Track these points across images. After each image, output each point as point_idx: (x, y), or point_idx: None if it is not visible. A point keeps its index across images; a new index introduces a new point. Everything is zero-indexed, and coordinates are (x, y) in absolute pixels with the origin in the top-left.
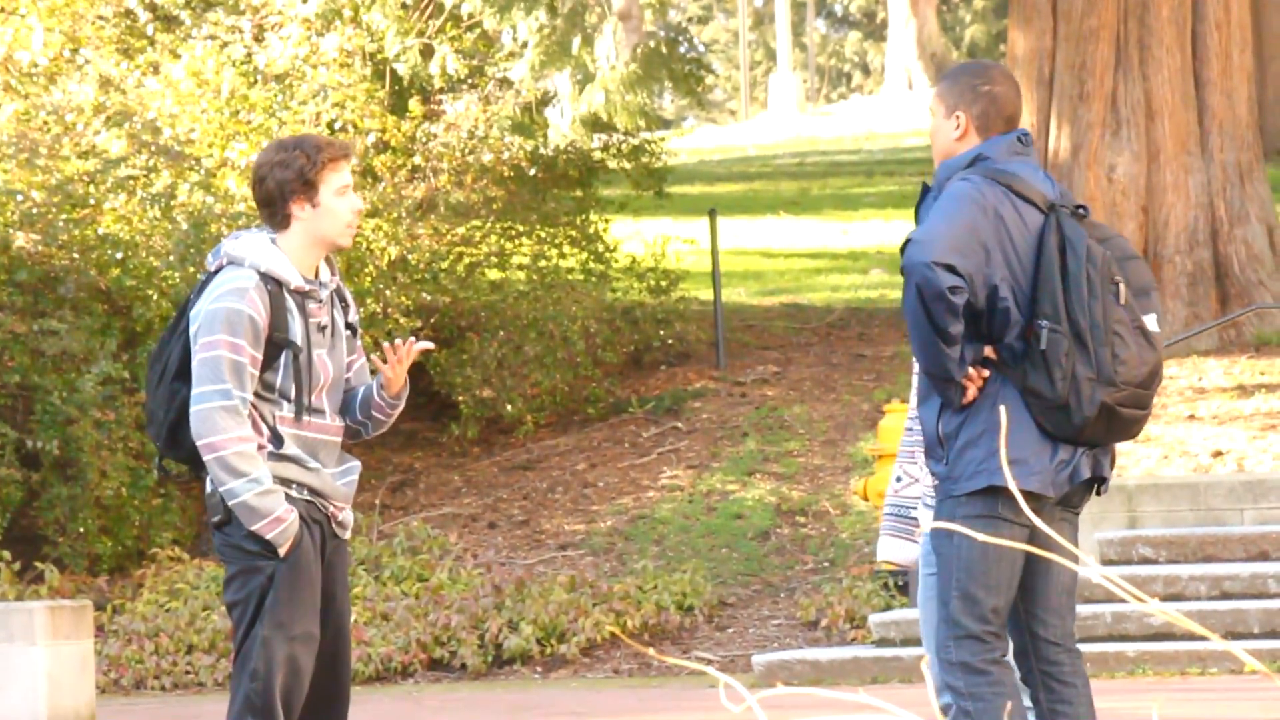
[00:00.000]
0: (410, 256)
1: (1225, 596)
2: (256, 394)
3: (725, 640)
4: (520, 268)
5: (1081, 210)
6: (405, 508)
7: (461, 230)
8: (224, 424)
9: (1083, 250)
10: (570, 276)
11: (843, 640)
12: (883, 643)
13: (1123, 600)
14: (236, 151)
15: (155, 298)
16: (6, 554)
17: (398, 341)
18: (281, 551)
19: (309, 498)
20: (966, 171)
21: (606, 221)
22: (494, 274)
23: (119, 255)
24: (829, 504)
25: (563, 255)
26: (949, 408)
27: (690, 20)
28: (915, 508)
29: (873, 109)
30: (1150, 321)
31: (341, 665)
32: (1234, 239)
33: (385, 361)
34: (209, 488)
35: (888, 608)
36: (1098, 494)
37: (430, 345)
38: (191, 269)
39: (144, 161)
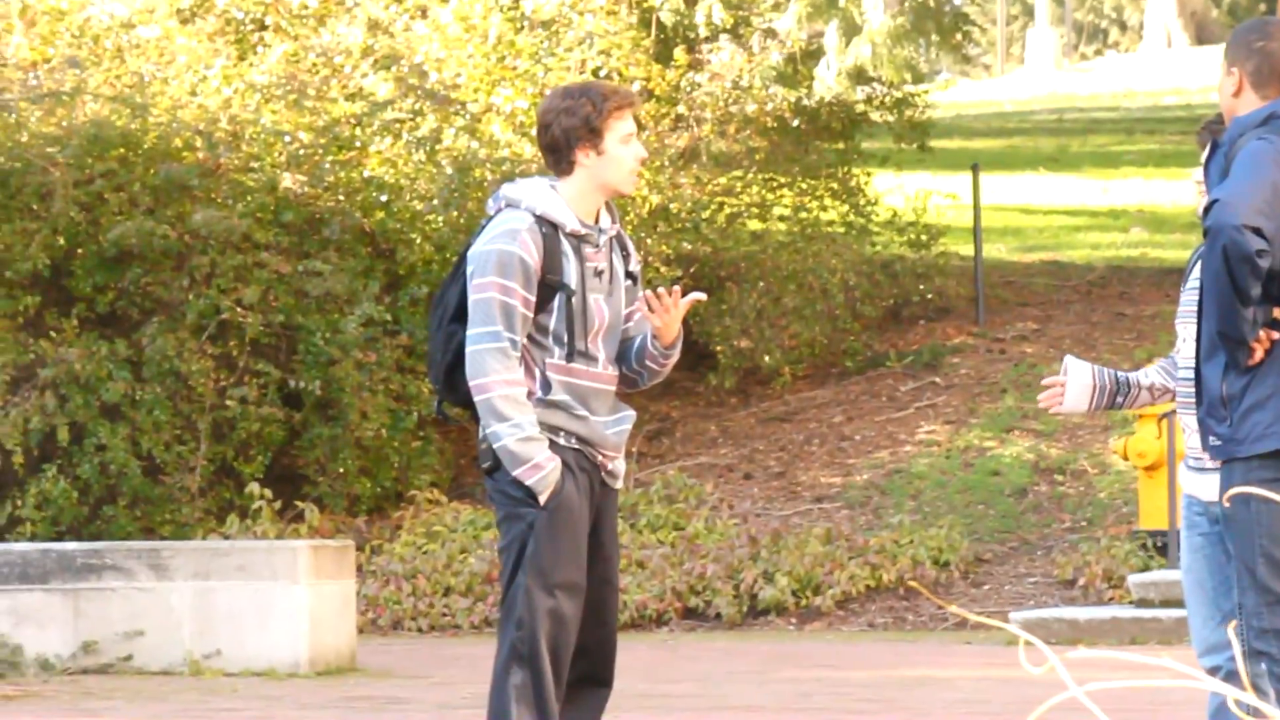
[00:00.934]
0: (672, 205)
1: None
2: (529, 337)
3: (980, 597)
4: (781, 219)
5: None
6: (662, 456)
7: (723, 180)
8: (493, 366)
9: None
10: (830, 229)
11: (1099, 600)
12: (1142, 603)
13: None
14: (502, 97)
15: (418, 241)
16: (268, 493)
17: (661, 290)
18: (541, 499)
19: (577, 446)
20: (1262, 130)
21: (868, 174)
22: (755, 225)
23: (384, 198)
24: (1087, 463)
25: (824, 207)
26: (1234, 368)
27: None
28: (1127, 375)
29: (1131, 66)
30: None
31: (608, 613)
32: None
33: (651, 310)
34: (480, 434)
35: (1146, 568)
36: None
37: (702, 295)
38: (455, 213)
39: (410, 105)
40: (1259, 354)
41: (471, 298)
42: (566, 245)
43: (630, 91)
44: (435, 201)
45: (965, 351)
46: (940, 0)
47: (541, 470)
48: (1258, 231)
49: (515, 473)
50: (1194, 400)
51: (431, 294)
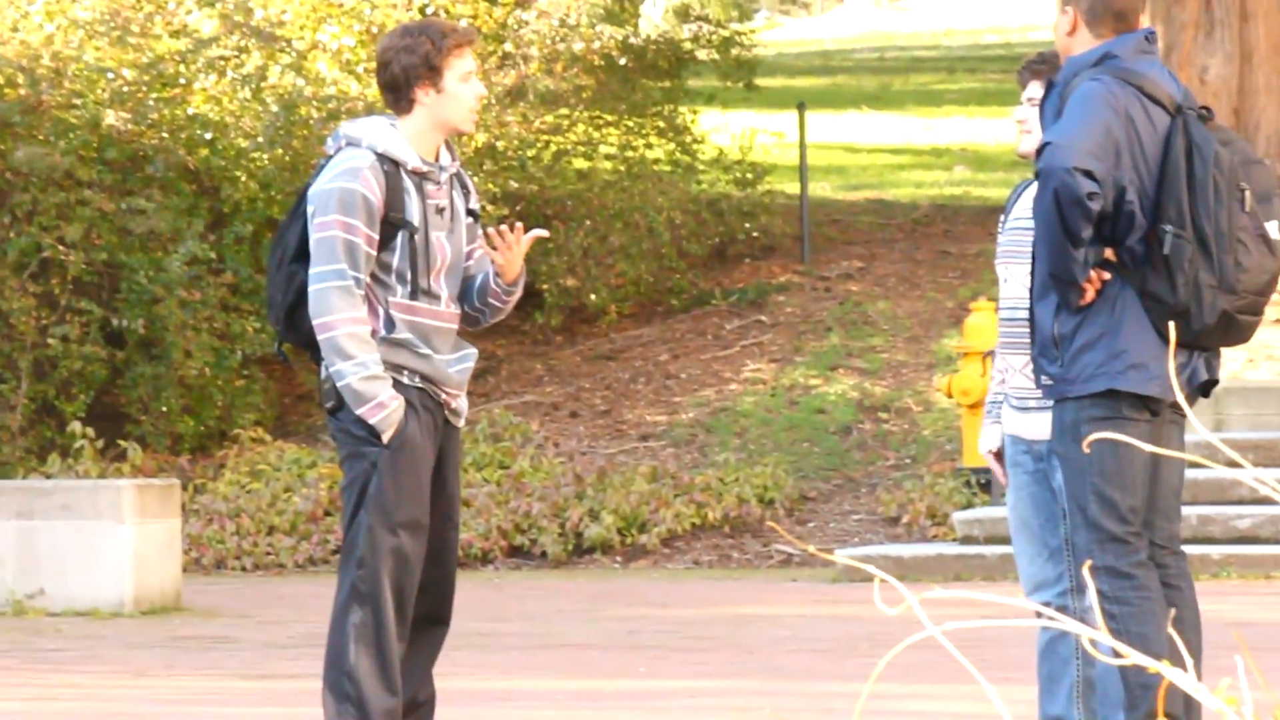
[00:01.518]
0: (499, 143)
1: None
2: (372, 275)
3: (805, 534)
4: (607, 158)
5: (1206, 112)
6: (487, 395)
7: (550, 118)
8: (337, 304)
9: (1210, 155)
10: (657, 167)
11: (924, 537)
12: (966, 540)
13: (1207, 503)
14: (328, 34)
15: (243, 179)
16: (90, 431)
17: (504, 228)
18: (384, 438)
19: (420, 384)
20: (1096, 70)
21: (694, 113)
22: (581, 163)
23: (208, 136)
24: (912, 401)
25: (650, 146)
26: (1066, 308)
27: None
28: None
29: (950, 5)
30: (1272, 229)
31: (449, 552)
32: None
33: (494, 247)
34: (323, 373)
35: (969, 505)
36: (1205, 396)
37: (544, 232)
38: (280, 151)
39: (235, 42)
40: (1090, 294)
41: (313, 236)
42: (408, 183)
43: (470, 29)
44: (260, 139)
45: (790, 290)
46: None
47: (385, 409)
48: (1089, 174)
49: (359, 411)
50: (1019, 340)
51: (256, 231)
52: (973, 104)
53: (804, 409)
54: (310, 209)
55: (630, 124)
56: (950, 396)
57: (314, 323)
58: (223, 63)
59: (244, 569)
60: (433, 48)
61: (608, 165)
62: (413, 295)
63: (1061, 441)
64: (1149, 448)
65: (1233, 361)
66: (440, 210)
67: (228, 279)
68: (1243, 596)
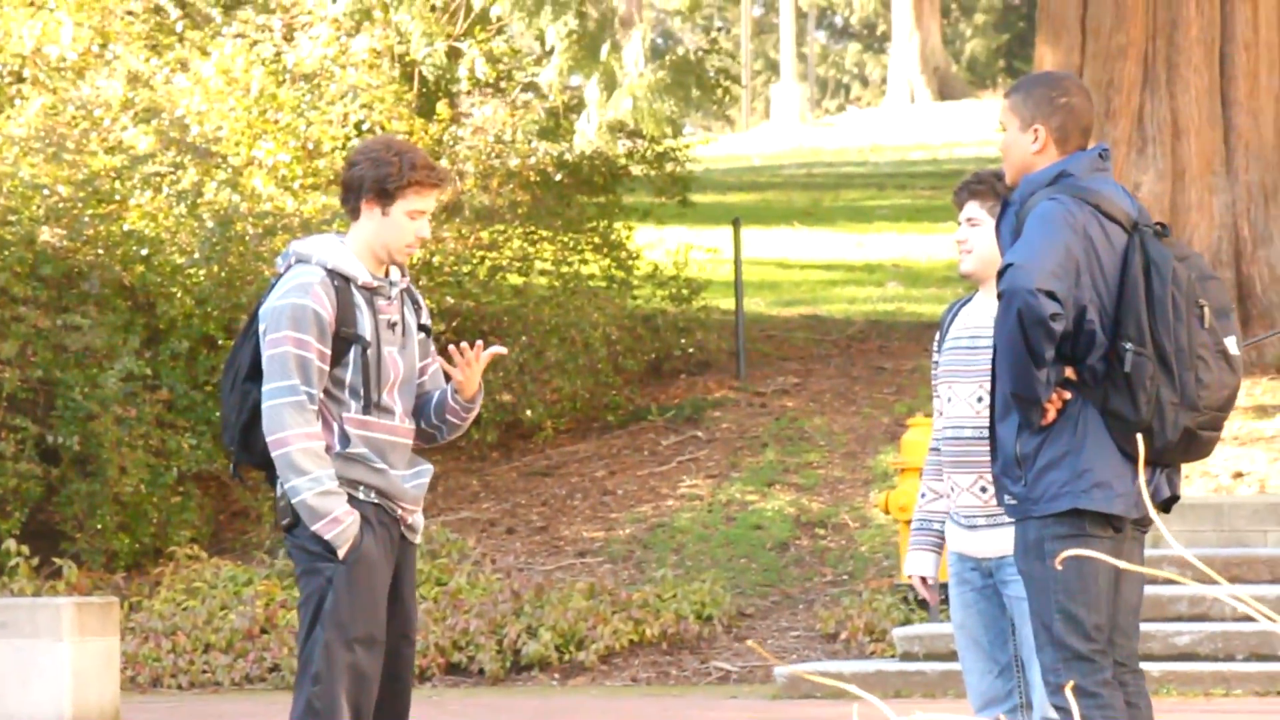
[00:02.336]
0: (435, 259)
1: (1250, 619)
2: (326, 391)
3: (744, 651)
4: (543, 273)
5: (1161, 229)
6: (424, 511)
7: (485, 234)
8: (291, 420)
9: (1168, 272)
10: (593, 283)
11: (862, 653)
12: (906, 657)
13: (1146, 619)
14: (263, 150)
15: (179, 295)
16: (25, 549)
17: (464, 345)
18: (340, 554)
19: (376, 500)
20: (1053, 190)
21: (630, 228)
22: (517, 279)
23: (144, 252)
24: (848, 517)
25: (585, 261)
26: (1028, 428)
27: (684, 28)
28: (943, 522)
29: (875, 121)
30: (1230, 344)
31: (404, 668)
32: (1257, 260)
33: (454, 364)
34: (279, 490)
35: (907, 622)
36: (1166, 512)
37: (502, 350)
38: (216, 267)
39: (171, 158)
40: (1052, 414)
41: (266, 353)
42: (359, 298)
43: (443, 173)
44: (196, 255)
45: (727, 405)
46: (700, 55)
47: (340, 524)
48: (1051, 295)
49: (314, 527)
50: (965, 459)
51: (192, 348)
52: (903, 220)
53: (741, 525)
54: (262, 327)
55: (566, 239)
56: (887, 512)
57: (268, 439)
58: (158, 179)
59: (180, 687)
60: (395, 173)
61: (543, 281)
62: (366, 410)
63: (1025, 560)
64: (1124, 565)
65: None
66: (392, 325)
67: (163, 395)
68: (1183, 714)
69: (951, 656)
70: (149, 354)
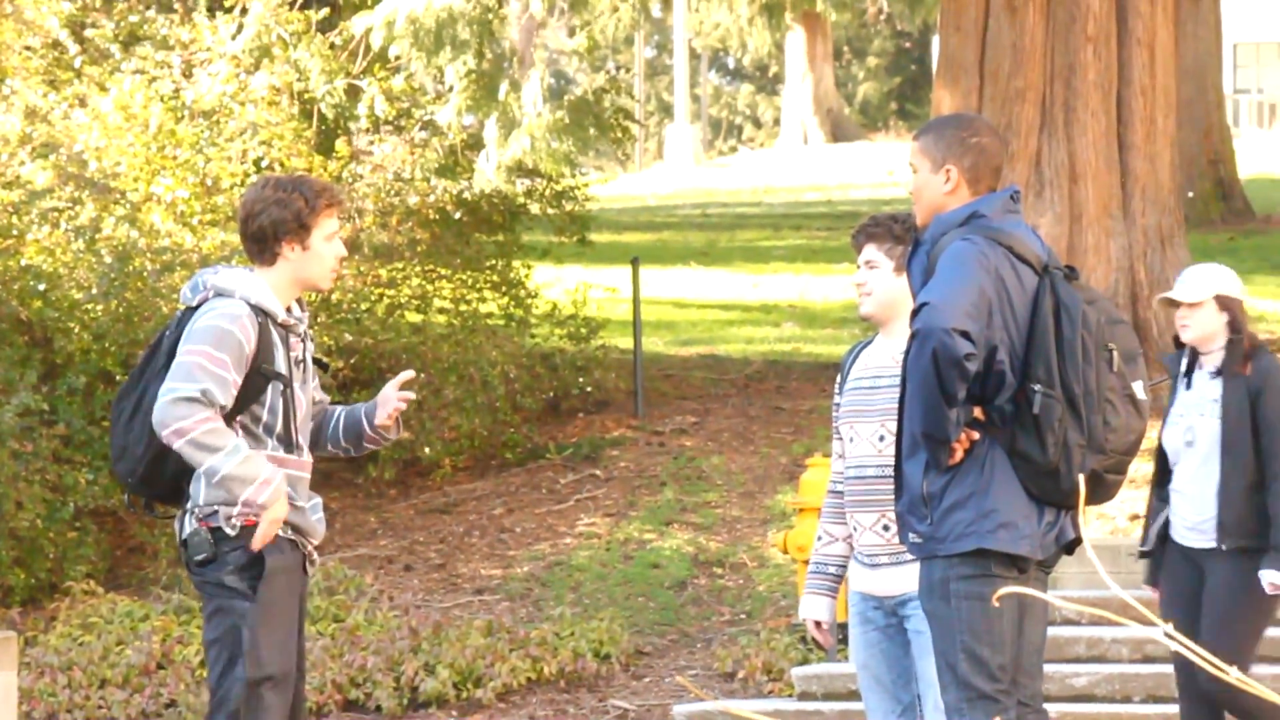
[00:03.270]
0: (334, 296)
1: (1148, 660)
2: (244, 428)
3: (641, 689)
4: (441, 311)
5: (1071, 272)
6: (320, 548)
7: (384, 272)
8: (186, 410)
9: (1078, 315)
10: (491, 321)
11: (760, 693)
12: (804, 696)
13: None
14: (162, 186)
15: (77, 330)
16: None
17: (397, 408)
18: (272, 510)
19: (292, 536)
20: (965, 230)
21: (529, 267)
22: (415, 317)
23: (41, 287)
24: (746, 556)
25: (484, 299)
26: (935, 467)
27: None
28: (840, 565)
29: (769, 162)
30: (1138, 389)
31: (300, 702)
32: (1153, 304)
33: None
34: (188, 527)
35: (805, 661)
36: (1069, 554)
37: (411, 373)
38: (114, 303)
39: (69, 193)
40: (960, 454)
41: (177, 360)
42: (276, 336)
43: (338, 190)
44: (95, 290)
45: (625, 444)
46: (598, 94)
47: (271, 484)
48: (966, 335)
49: (246, 494)
50: (867, 498)
51: (90, 383)
52: (799, 260)
53: (639, 563)
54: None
55: (464, 277)
56: (785, 552)
57: (163, 433)
58: (56, 214)
59: None
60: (305, 206)
61: (442, 319)
62: (287, 449)
63: (930, 599)
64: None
65: None
66: (298, 363)
67: (60, 430)
68: None
69: (850, 696)
70: (46, 389)
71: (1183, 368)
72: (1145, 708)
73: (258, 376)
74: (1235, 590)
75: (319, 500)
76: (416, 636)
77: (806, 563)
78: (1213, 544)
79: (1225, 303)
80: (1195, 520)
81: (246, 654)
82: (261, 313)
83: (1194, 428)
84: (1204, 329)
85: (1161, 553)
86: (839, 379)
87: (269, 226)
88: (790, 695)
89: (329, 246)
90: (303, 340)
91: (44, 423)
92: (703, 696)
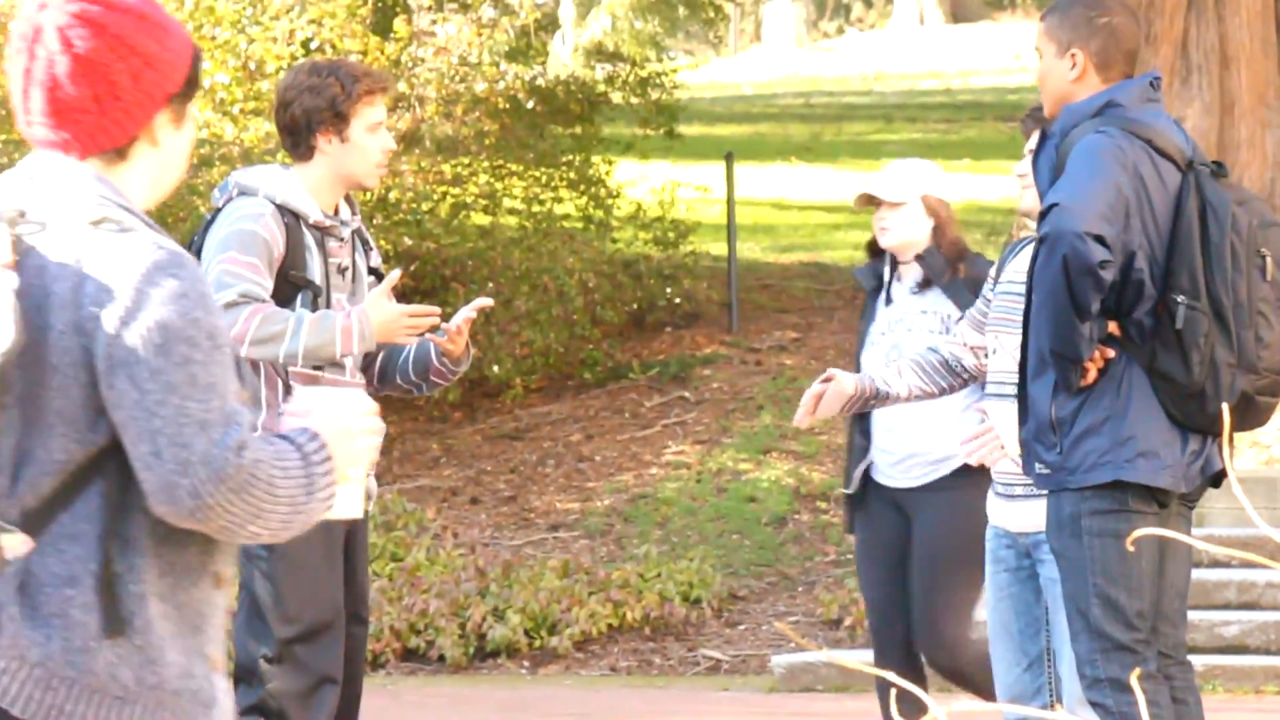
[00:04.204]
0: (391, 195)
1: None
2: None
3: (735, 638)
4: (512, 212)
5: (1219, 168)
6: (378, 478)
7: (448, 168)
8: (231, 317)
9: (1226, 217)
10: (567, 224)
11: (868, 642)
12: None
13: (1190, 607)
14: (199, 71)
15: None
16: None
17: (449, 328)
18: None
19: None
20: (1099, 122)
21: (610, 163)
22: (483, 219)
23: None
24: None
25: (559, 200)
26: (1065, 389)
27: None
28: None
29: (879, 45)
30: None
31: (356, 652)
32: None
33: (449, 340)
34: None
35: None
36: (1215, 487)
37: (489, 301)
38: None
39: None
40: (1093, 374)
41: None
42: (310, 238)
43: (384, 75)
44: None
45: (717, 363)
46: None
47: (353, 329)
48: (1100, 240)
49: (340, 353)
50: (1013, 421)
51: None
52: (915, 156)
53: (733, 497)
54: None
55: (538, 175)
56: None
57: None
58: None
59: None
60: (341, 92)
61: (512, 221)
62: (317, 365)
63: (1059, 537)
64: (1179, 536)
65: None
66: (342, 270)
67: None
68: (1232, 713)
69: None
70: None
71: (885, 279)
72: None
73: (285, 284)
74: (950, 533)
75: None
76: (484, 578)
77: None
78: (920, 482)
79: (932, 205)
80: (901, 455)
81: (270, 612)
82: (289, 212)
83: (900, 345)
84: (905, 234)
85: (864, 495)
86: (993, 274)
87: (301, 116)
88: None
89: (373, 139)
90: (351, 245)
91: None
92: (806, 646)
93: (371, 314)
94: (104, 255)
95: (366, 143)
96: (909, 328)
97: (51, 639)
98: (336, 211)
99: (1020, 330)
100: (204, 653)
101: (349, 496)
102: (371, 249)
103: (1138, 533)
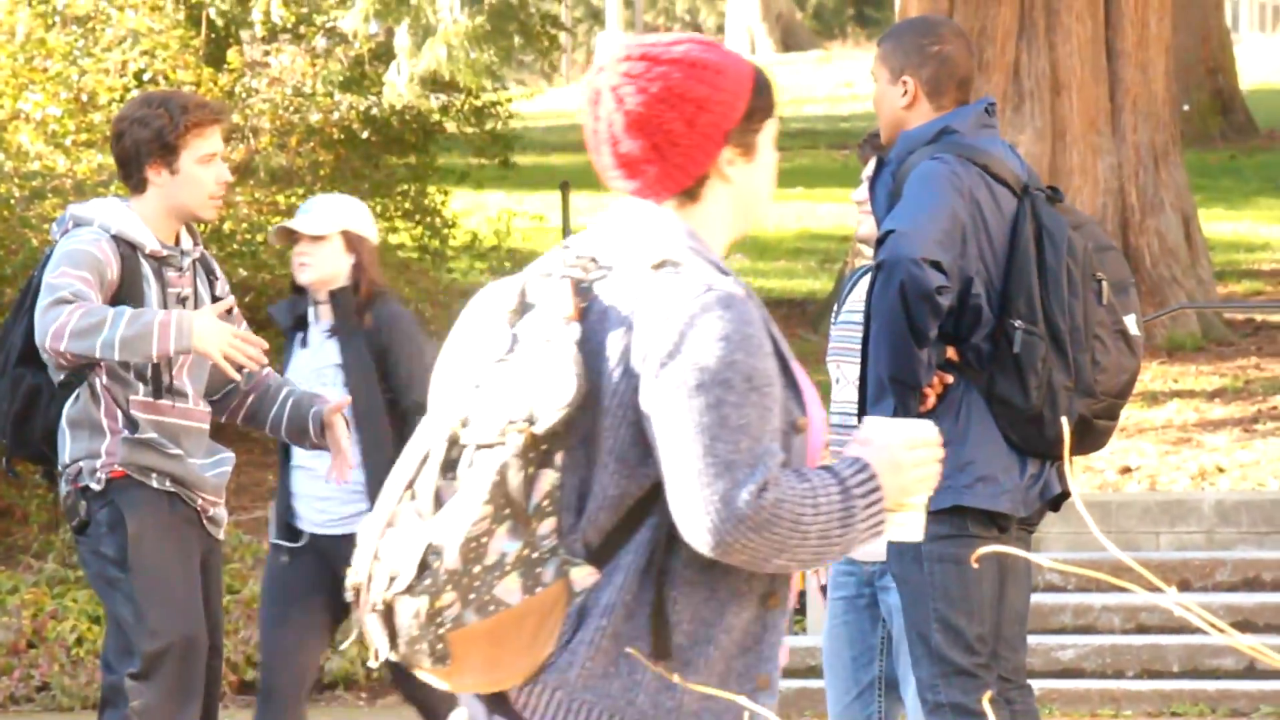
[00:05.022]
0: (226, 225)
1: (1141, 630)
2: (110, 372)
3: None
4: None
5: (1054, 193)
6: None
7: (282, 199)
8: (56, 312)
9: (1062, 242)
10: (404, 254)
11: None
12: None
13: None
14: (31, 103)
15: None
16: None
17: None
18: (202, 347)
19: (172, 488)
20: (935, 148)
21: (445, 193)
22: None
23: None
24: None
25: (395, 230)
26: (905, 415)
27: None
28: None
29: None
30: (1130, 323)
31: (212, 682)
32: (1146, 230)
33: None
34: (62, 491)
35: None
36: (1055, 510)
37: (346, 401)
38: None
39: None
40: (931, 400)
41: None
42: (147, 268)
43: (219, 105)
44: None
45: None
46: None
47: (171, 322)
48: (937, 265)
49: (156, 348)
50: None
51: None
52: None
53: None
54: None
55: (373, 205)
56: None
57: (47, 346)
58: None
59: None
60: (169, 123)
61: None
62: (156, 394)
63: (899, 563)
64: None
65: None
66: (183, 299)
67: None
68: None
69: (810, 673)
70: None
71: (307, 317)
72: (1139, 683)
73: None
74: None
75: (226, 455)
76: None
77: None
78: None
79: (353, 241)
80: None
81: (133, 630)
82: (125, 242)
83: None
84: (325, 269)
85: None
86: (835, 306)
87: (131, 147)
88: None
89: (205, 170)
90: (193, 273)
91: None
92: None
93: (196, 319)
94: (657, 297)
95: (197, 174)
96: (323, 380)
97: (606, 668)
98: (177, 241)
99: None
100: (752, 674)
101: (910, 522)
102: (217, 278)
103: (982, 550)
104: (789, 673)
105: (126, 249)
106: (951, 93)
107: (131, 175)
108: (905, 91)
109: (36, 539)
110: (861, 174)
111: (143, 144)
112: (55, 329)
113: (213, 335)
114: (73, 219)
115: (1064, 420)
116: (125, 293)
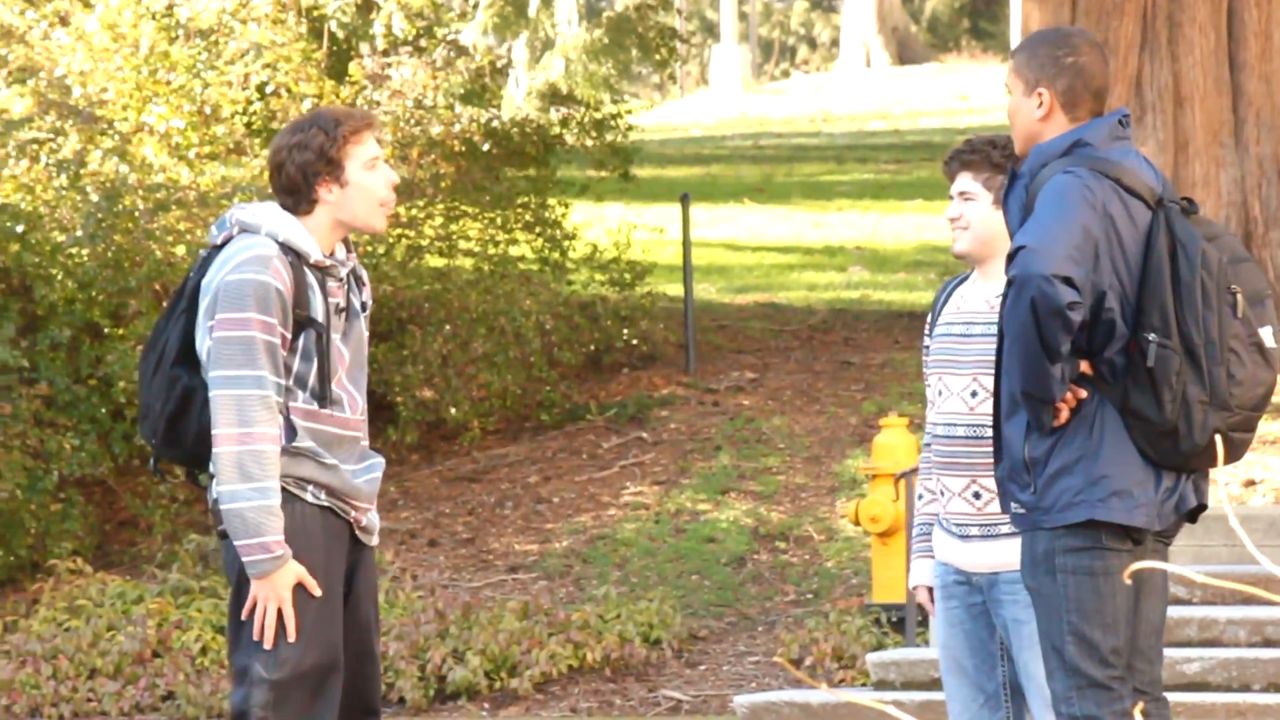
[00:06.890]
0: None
1: (1268, 644)
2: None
3: (696, 678)
4: (468, 255)
5: (1189, 205)
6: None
7: (404, 211)
8: (257, 416)
9: (1196, 254)
10: (524, 266)
11: (831, 682)
12: (881, 685)
13: None
14: (155, 115)
15: (59, 277)
16: None
17: None
18: (253, 582)
19: (326, 501)
20: (1068, 161)
21: (565, 205)
22: (438, 261)
23: (19, 229)
24: (813, 528)
25: (515, 242)
26: (1038, 429)
27: None
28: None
29: (826, 87)
30: (1267, 335)
31: (371, 690)
32: (1269, 242)
33: None
34: (213, 493)
35: (880, 646)
36: (1192, 522)
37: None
38: (102, 246)
39: (50, 123)
40: (1065, 414)
41: (219, 334)
42: (311, 278)
43: (365, 112)
44: (79, 233)
45: (675, 404)
46: (641, 12)
47: (269, 554)
48: (1069, 281)
49: (238, 543)
50: (957, 460)
51: (75, 337)
52: (866, 197)
53: (692, 537)
54: (206, 301)
55: (493, 217)
56: (857, 524)
57: (219, 433)
58: (36, 147)
59: (62, 717)
60: (327, 138)
61: (468, 263)
62: (321, 402)
63: (1034, 575)
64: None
65: None
66: (339, 310)
67: (42, 390)
68: None
69: (932, 685)
70: (25, 343)
71: None
72: (1265, 697)
73: (293, 323)
74: None
75: (377, 460)
76: (443, 620)
77: (881, 535)
78: None
79: None
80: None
81: (260, 652)
82: (292, 252)
83: None
84: None
85: None
86: (929, 318)
87: (296, 172)
88: (864, 684)
89: (372, 175)
90: (345, 285)
91: (24, 381)
92: (806, 679)
93: (284, 570)
94: None
95: (366, 180)
96: None
97: None
98: (333, 253)
99: (964, 371)
100: None
101: None
102: (365, 285)
103: (1134, 566)
104: (913, 684)
105: (294, 257)
106: (1087, 104)
107: (302, 200)
108: (1041, 103)
109: (161, 549)
110: (951, 190)
111: (308, 166)
112: (245, 433)
113: (273, 588)
114: (238, 223)
115: (1200, 436)
116: (295, 303)
